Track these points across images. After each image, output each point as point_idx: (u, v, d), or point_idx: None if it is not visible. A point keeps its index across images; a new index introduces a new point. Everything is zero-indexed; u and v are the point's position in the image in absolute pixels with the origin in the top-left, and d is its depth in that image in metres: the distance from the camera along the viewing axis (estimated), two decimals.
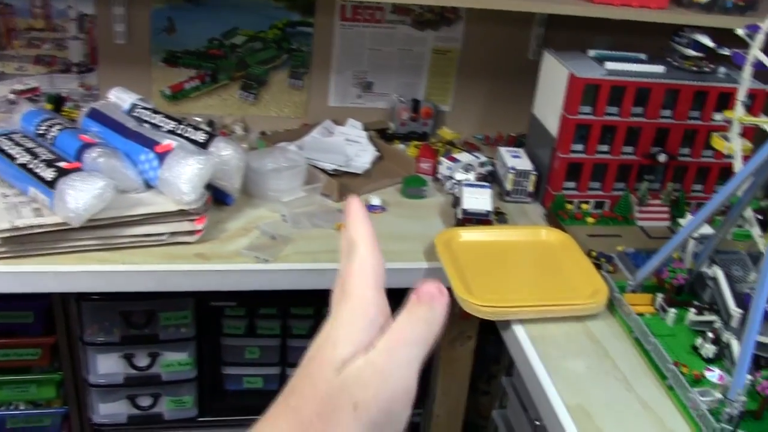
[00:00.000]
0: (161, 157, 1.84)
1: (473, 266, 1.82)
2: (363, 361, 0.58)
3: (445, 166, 2.28)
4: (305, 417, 0.57)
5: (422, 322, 0.60)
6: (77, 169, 1.73)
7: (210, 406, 2.22)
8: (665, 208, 2.18)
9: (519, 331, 1.67)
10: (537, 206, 2.25)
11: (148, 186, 1.88)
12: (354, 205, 0.66)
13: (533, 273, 1.87)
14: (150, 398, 2.16)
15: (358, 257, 0.64)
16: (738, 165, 1.67)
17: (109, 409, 2.14)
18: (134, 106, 2.07)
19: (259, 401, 2.17)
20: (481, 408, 2.56)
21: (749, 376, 1.42)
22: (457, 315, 2.08)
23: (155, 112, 2.06)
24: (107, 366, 2.08)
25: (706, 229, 1.71)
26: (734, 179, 1.57)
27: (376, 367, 0.58)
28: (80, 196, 1.67)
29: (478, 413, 2.55)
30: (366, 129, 2.53)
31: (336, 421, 0.56)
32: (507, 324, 1.70)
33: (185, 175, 1.80)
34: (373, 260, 0.64)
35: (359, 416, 0.56)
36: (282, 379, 2.23)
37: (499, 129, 2.70)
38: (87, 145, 1.83)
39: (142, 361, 2.09)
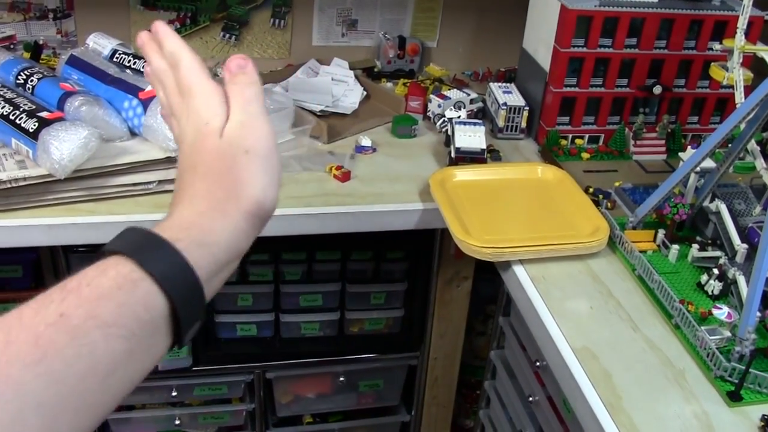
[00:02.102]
0: (145, 103, 1.79)
1: (469, 206, 1.78)
2: (230, 122, 0.78)
3: (435, 104, 2.23)
4: (215, 176, 0.76)
5: (248, 84, 0.80)
6: (60, 119, 1.68)
7: (204, 354, 2.18)
8: (661, 141, 2.15)
9: (519, 271, 1.64)
10: (530, 142, 2.21)
11: (133, 134, 1.83)
12: (162, 26, 0.84)
13: (531, 211, 1.83)
14: None
15: (185, 61, 0.81)
16: (739, 95, 1.63)
17: None
18: (115, 51, 2.01)
19: (254, 348, 2.15)
20: (477, 349, 2.54)
21: (758, 313, 1.40)
22: (451, 255, 2.06)
23: (136, 57, 2.00)
24: None
25: (707, 163, 1.67)
26: (738, 110, 1.53)
27: (243, 122, 0.78)
28: (64, 146, 1.62)
29: (474, 354, 2.53)
30: (352, 68, 2.47)
31: (239, 167, 0.76)
32: (507, 265, 1.67)
33: None
34: (198, 58, 0.82)
35: (253, 156, 0.76)
36: (276, 326, 2.20)
37: (487, 64, 2.64)
38: (68, 94, 1.77)
39: None
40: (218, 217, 0.75)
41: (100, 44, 2.03)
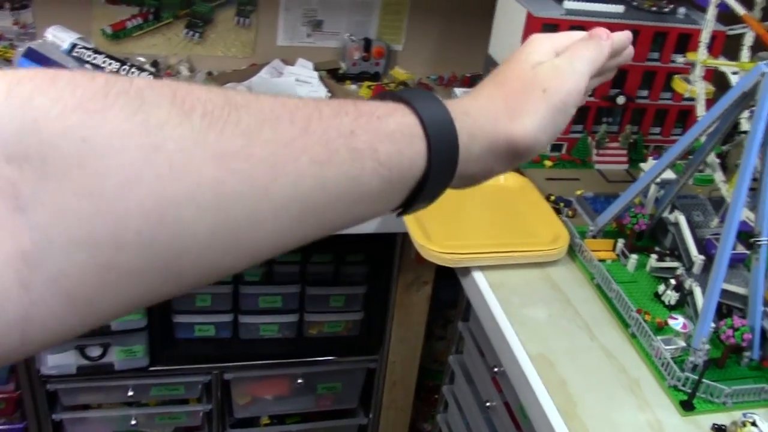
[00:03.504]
0: None
1: (430, 211, 1.74)
2: (550, 63, 0.81)
3: None
4: (506, 90, 0.79)
5: (593, 47, 0.83)
6: None
7: (161, 355, 2.17)
8: (623, 151, 2.16)
9: (479, 278, 1.64)
10: None
11: None
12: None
13: (492, 218, 1.84)
14: (99, 348, 2.10)
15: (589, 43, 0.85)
16: (701, 108, 1.65)
17: (57, 360, 2.09)
18: (74, 45, 1.99)
19: (211, 349, 2.14)
20: (437, 353, 2.54)
21: (712, 324, 1.41)
22: (412, 260, 2.06)
23: (97, 52, 1.98)
24: None
25: (668, 174, 1.68)
26: (700, 123, 1.54)
27: (559, 68, 0.81)
28: None
29: (433, 358, 2.53)
30: (317, 69, 2.46)
31: (529, 98, 0.78)
32: (467, 271, 1.67)
33: None
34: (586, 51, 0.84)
35: (546, 97, 0.78)
36: (234, 327, 2.19)
37: (453, 69, 2.65)
38: None
39: None
40: (489, 121, 0.76)
41: (59, 38, 2.00)
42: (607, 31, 0.86)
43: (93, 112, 0.49)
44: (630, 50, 0.92)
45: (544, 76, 0.79)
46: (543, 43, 0.84)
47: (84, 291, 0.49)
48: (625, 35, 0.90)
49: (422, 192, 0.70)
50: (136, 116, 0.50)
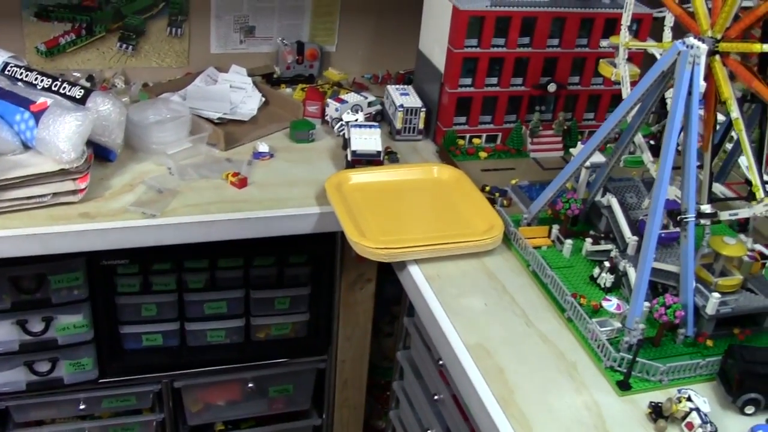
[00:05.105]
0: (37, 116, 1.77)
1: (366, 208, 1.79)
2: None
3: (332, 108, 2.23)
4: None
5: None
6: None
7: (110, 366, 2.15)
8: (558, 138, 2.18)
9: (415, 271, 1.65)
10: (428, 143, 2.23)
11: (26, 147, 1.81)
12: None
13: (427, 212, 1.85)
14: (48, 363, 2.08)
15: None
16: (626, 91, 1.67)
17: (6, 377, 2.07)
18: (6, 64, 1.98)
19: (160, 358, 2.13)
20: (386, 350, 2.55)
21: (647, 303, 1.43)
22: (354, 258, 2.06)
23: (29, 69, 1.97)
24: (0, 334, 2.00)
25: (598, 158, 1.70)
26: (622, 105, 1.56)
27: None
28: None
29: (382, 355, 2.54)
30: (251, 74, 2.47)
31: None
32: (403, 265, 1.68)
33: (63, 133, 1.73)
34: None
35: None
36: (182, 335, 2.18)
37: (387, 67, 2.66)
38: None
39: (36, 326, 2.02)
40: None
41: None
42: None
43: None
44: None
45: None
46: None
47: None
48: None
49: None
50: None
